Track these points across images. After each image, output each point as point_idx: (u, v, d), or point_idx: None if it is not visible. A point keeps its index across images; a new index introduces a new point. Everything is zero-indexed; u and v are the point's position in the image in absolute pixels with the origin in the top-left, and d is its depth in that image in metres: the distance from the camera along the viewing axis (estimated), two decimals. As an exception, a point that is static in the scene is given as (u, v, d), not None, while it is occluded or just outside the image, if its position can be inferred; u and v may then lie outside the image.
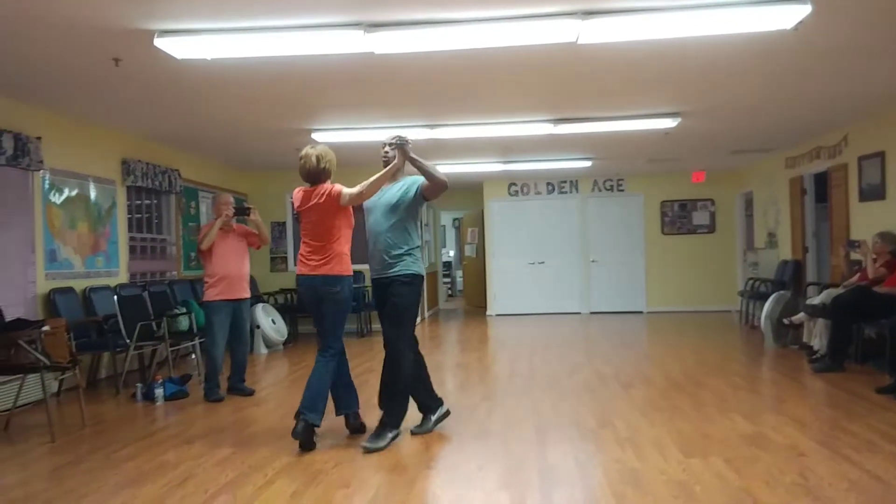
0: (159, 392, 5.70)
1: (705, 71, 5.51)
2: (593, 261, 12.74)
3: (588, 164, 10.72)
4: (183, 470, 3.81)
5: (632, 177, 12.61)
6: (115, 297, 6.48)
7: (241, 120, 7.00)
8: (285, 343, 9.13)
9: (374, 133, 7.67)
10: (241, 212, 5.81)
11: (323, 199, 4.21)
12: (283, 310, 9.56)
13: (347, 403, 4.44)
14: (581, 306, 12.77)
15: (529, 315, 12.59)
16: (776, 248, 10.42)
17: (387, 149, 4.38)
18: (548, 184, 12.81)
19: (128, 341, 6.17)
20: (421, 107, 6.63)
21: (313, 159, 4.28)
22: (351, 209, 4.35)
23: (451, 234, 19.32)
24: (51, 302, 6.12)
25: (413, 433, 4.40)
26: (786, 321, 7.37)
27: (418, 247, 4.40)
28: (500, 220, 12.96)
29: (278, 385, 6.49)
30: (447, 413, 4.65)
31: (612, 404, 5.16)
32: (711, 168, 11.84)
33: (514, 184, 12.86)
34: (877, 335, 6.19)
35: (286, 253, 10.84)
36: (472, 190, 13.80)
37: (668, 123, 7.47)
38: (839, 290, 6.71)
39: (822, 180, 9.08)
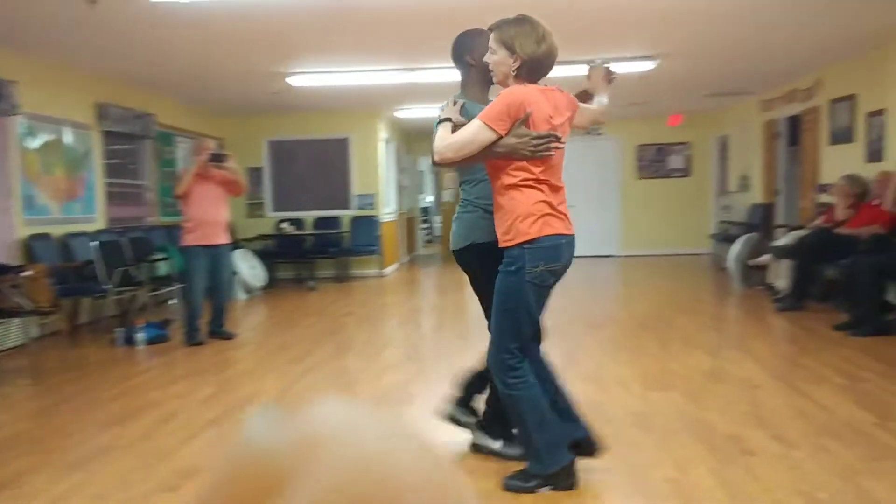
0: (140, 336, 5.80)
1: (683, 12, 5.54)
2: (570, 206, 12.83)
3: (565, 108, 10.75)
4: (167, 409, 3.96)
5: (608, 121, 12.65)
6: (94, 242, 6.52)
7: (216, 63, 6.95)
8: (264, 288, 9.24)
9: (354, 77, 7.65)
10: (216, 158, 5.83)
11: (571, 109, 2.78)
12: (262, 256, 9.64)
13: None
14: (558, 250, 12.94)
15: (507, 259, 12.77)
16: (749, 191, 10.61)
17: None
18: (525, 128, 12.81)
19: (107, 287, 6.25)
20: (399, 50, 6.62)
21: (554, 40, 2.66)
22: None
23: (428, 179, 19.34)
24: (29, 248, 6.15)
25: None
26: (750, 262, 7.59)
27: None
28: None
29: (257, 329, 6.63)
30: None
31: (579, 344, 5.36)
32: (687, 111, 11.92)
33: (492, 128, 12.85)
34: (837, 275, 6.42)
35: (263, 199, 10.85)
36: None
37: (646, 66, 7.51)
38: (804, 232, 6.92)
39: (794, 124, 9.21)
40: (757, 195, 10.20)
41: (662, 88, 9.25)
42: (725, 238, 9.90)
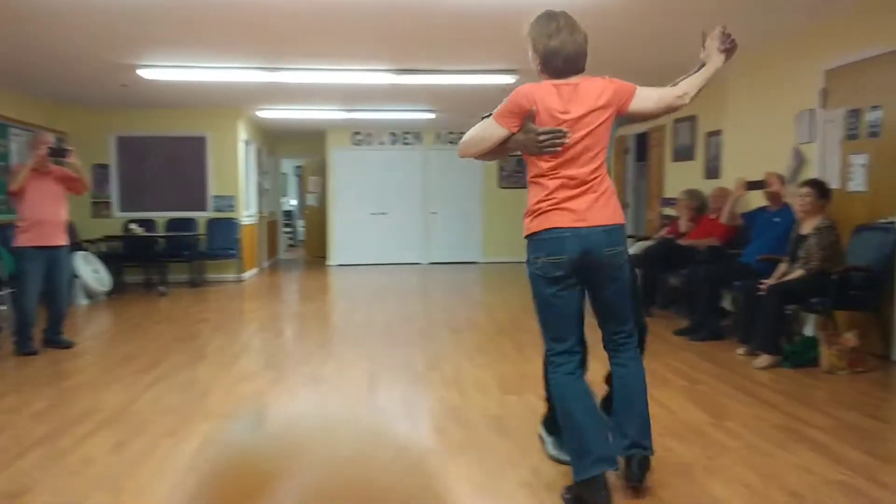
0: (-38, 345, 5.25)
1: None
2: (433, 212, 13.01)
3: (431, 116, 10.86)
4: (-10, 425, 3.59)
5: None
6: None
7: (56, 51, 6.41)
8: (109, 293, 8.64)
9: (212, 73, 7.32)
10: (57, 153, 5.39)
11: (605, 99, 2.61)
12: (107, 258, 9.01)
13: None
14: (421, 257, 13.05)
15: (370, 265, 12.70)
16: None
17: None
18: (391, 134, 12.84)
19: (-77, 291, 5.60)
20: (259, 48, 6.40)
21: (579, 36, 2.64)
22: None
23: (292, 182, 18.92)
24: None
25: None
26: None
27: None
28: (343, 169, 12.86)
29: (100, 337, 6.18)
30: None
31: (442, 349, 5.41)
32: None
33: (358, 133, 12.78)
34: (678, 283, 6.88)
35: (109, 198, 10.15)
36: (314, 137, 13.55)
37: (507, 80, 7.71)
38: (650, 243, 7.37)
39: (642, 141, 9.81)
40: (608, 207, 10.75)
41: (523, 101, 9.54)
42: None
